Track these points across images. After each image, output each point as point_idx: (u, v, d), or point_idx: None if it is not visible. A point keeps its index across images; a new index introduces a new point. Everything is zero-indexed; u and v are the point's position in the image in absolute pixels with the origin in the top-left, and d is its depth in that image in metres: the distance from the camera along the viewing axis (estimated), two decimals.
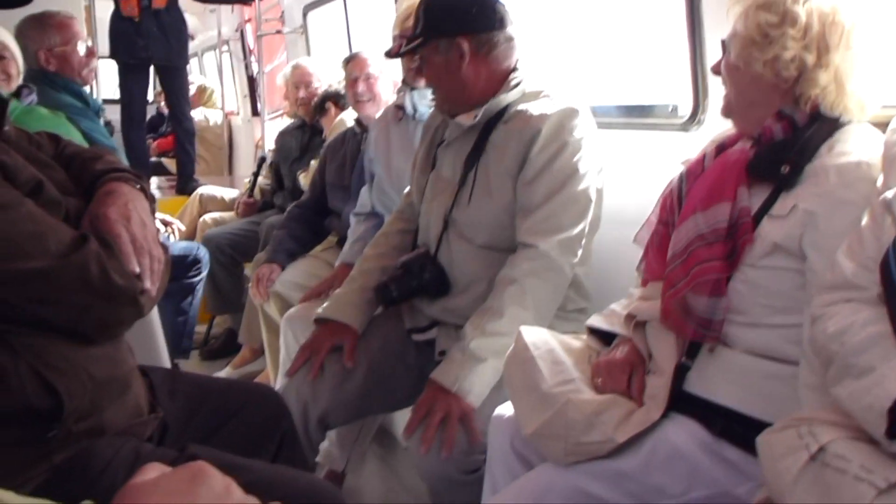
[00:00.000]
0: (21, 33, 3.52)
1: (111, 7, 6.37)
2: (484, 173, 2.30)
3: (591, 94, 3.00)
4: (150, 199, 1.77)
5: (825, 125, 1.68)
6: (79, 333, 1.52)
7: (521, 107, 2.28)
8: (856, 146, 1.64)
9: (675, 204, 1.90)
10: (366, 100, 3.83)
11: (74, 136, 2.89)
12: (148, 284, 1.58)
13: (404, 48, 2.33)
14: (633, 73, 3.12)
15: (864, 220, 1.48)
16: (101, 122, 3.71)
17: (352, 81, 3.89)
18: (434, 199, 2.42)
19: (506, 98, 2.30)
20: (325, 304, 2.57)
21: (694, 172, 1.88)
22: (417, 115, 3.11)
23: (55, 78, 3.56)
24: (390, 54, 2.56)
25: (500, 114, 2.31)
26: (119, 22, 6.31)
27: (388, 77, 3.85)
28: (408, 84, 3.14)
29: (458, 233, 2.35)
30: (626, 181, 2.54)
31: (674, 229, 1.87)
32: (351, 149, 3.92)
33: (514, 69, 2.34)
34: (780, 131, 1.70)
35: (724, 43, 1.80)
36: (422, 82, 2.95)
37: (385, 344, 2.48)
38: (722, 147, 1.86)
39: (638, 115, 2.89)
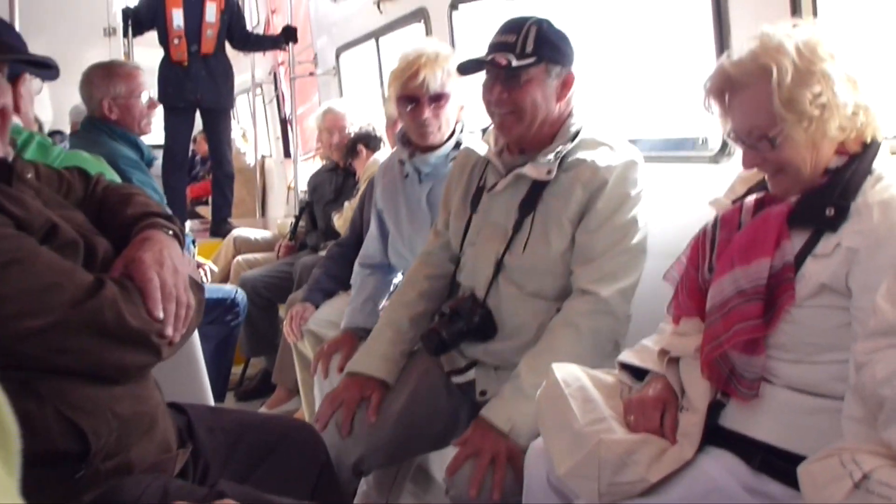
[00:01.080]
0: (87, 80, 3.64)
1: (149, 54, 6.52)
2: (542, 221, 2.29)
3: (623, 126, 3.00)
4: (183, 239, 1.80)
5: (865, 160, 1.67)
6: (99, 376, 1.54)
7: (581, 155, 2.28)
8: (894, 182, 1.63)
9: (708, 250, 1.89)
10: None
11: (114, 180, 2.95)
12: (170, 331, 1.59)
13: (516, 63, 2.21)
14: (663, 106, 3.13)
15: None
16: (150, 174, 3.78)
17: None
18: (483, 244, 2.41)
19: (566, 147, 2.30)
20: (354, 357, 2.56)
21: (730, 222, 1.85)
22: (422, 177, 3.03)
23: (114, 127, 3.65)
24: (496, 64, 2.24)
25: (560, 162, 2.30)
26: (168, 68, 6.49)
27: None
28: (411, 143, 3.02)
29: (509, 278, 2.34)
30: (656, 214, 2.54)
31: (700, 273, 1.88)
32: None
33: (571, 114, 2.36)
34: (824, 179, 1.69)
35: (769, 139, 1.68)
36: (434, 137, 2.91)
37: (417, 387, 2.46)
38: (761, 202, 1.82)
39: (668, 147, 2.90)
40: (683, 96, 2.94)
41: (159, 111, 6.49)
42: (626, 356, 2.00)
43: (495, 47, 2.26)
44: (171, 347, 1.62)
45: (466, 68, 2.37)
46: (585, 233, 2.25)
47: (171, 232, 1.76)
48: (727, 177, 2.03)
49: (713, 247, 1.87)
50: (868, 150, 1.69)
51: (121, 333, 1.51)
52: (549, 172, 2.27)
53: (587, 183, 2.24)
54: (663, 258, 2.09)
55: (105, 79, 3.66)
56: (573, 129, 2.33)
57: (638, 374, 1.97)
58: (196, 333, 2.40)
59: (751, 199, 1.86)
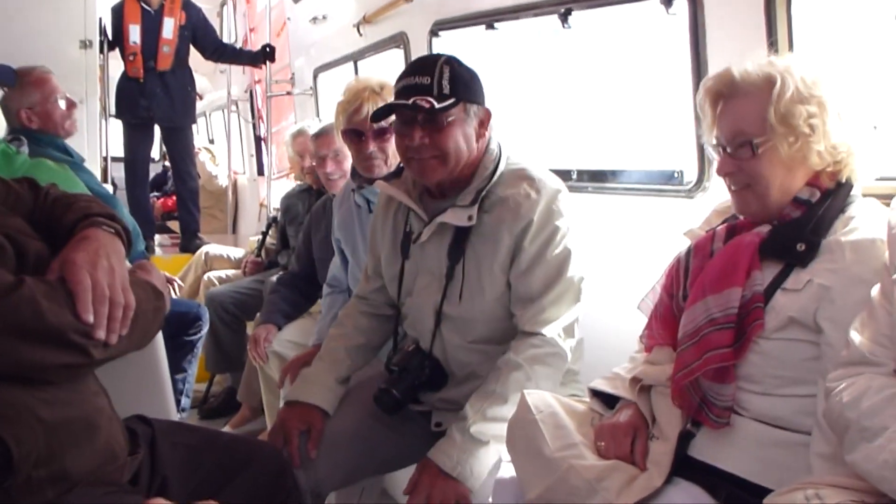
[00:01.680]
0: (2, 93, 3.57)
1: (122, 66, 6.49)
2: (474, 267, 2.26)
3: (599, 159, 3.03)
4: (126, 239, 1.75)
5: (837, 199, 1.70)
6: (23, 377, 1.50)
7: (502, 193, 2.25)
8: (867, 222, 1.66)
9: (682, 277, 1.91)
10: (336, 178, 3.81)
11: (79, 189, 2.91)
12: (101, 334, 1.54)
13: (440, 105, 2.13)
14: (638, 140, 3.15)
15: (875, 296, 1.49)
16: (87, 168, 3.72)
17: (321, 160, 3.87)
18: (420, 295, 2.38)
19: (486, 186, 2.25)
20: (292, 388, 2.54)
21: (702, 250, 1.88)
22: (372, 208, 2.99)
23: (39, 135, 3.59)
24: (420, 108, 2.16)
25: (481, 203, 2.25)
26: (125, 82, 6.45)
27: None
28: (359, 175, 3.04)
29: (452, 328, 2.32)
30: (630, 247, 2.56)
31: (674, 300, 1.90)
32: (329, 221, 3.87)
33: (488, 152, 2.31)
34: (797, 212, 1.72)
35: (752, 145, 1.72)
36: (380, 170, 2.90)
37: (373, 410, 2.41)
38: (733, 228, 1.85)
39: (643, 181, 2.92)
40: (660, 130, 2.97)
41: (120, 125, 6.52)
42: (598, 383, 2.01)
43: (411, 90, 2.17)
44: (106, 349, 1.56)
45: (379, 115, 2.33)
46: (519, 275, 2.22)
47: (112, 231, 1.71)
48: (702, 211, 2.05)
49: (686, 274, 1.89)
50: (841, 188, 1.73)
51: (40, 332, 1.46)
52: (469, 218, 2.23)
53: (511, 225, 2.21)
54: (637, 289, 2.09)
55: (18, 90, 3.62)
56: (491, 167, 2.28)
57: (609, 401, 1.97)
58: (161, 344, 2.36)
59: (722, 226, 1.88)
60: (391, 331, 2.56)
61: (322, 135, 3.90)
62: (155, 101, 6.41)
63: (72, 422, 1.58)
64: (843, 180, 1.72)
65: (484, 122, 2.26)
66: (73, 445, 1.57)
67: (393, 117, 2.36)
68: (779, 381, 1.66)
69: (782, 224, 1.73)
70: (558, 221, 2.22)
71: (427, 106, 2.13)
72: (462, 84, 2.19)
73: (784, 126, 1.67)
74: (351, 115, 2.89)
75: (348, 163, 3.75)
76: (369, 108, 2.80)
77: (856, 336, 1.48)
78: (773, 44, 2.15)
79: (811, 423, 1.60)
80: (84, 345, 1.52)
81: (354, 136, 2.92)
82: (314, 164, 4.04)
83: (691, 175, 2.62)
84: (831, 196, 1.71)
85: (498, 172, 2.27)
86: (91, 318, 1.52)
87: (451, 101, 2.16)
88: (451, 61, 2.21)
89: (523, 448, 1.87)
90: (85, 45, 5.23)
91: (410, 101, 2.15)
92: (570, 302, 2.23)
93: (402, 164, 2.42)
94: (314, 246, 3.96)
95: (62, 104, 3.69)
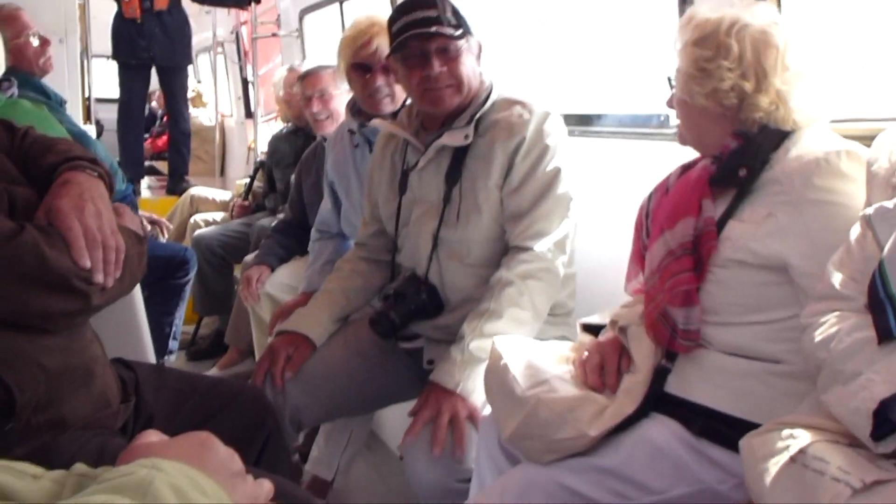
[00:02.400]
0: None
1: (105, 6, 6.38)
2: (470, 188, 2.29)
3: (585, 102, 3.01)
4: (109, 181, 1.73)
5: (776, 132, 1.73)
6: (24, 325, 1.50)
7: (495, 116, 2.30)
8: (809, 146, 1.67)
9: (644, 221, 1.97)
10: (323, 118, 3.82)
11: (56, 130, 2.86)
12: (100, 278, 1.54)
13: (457, 34, 2.21)
14: (626, 83, 3.13)
15: (854, 233, 1.50)
16: (65, 111, 3.66)
17: (307, 100, 3.86)
18: (417, 223, 2.40)
19: (480, 110, 2.31)
20: (286, 320, 2.57)
21: (660, 191, 1.95)
22: (373, 147, 2.91)
23: (14, 73, 3.46)
24: (439, 38, 2.22)
25: (476, 126, 2.31)
26: (121, 23, 6.36)
27: (345, 93, 3.72)
28: (362, 112, 3.01)
29: (449, 251, 2.34)
30: (617, 190, 2.55)
31: (641, 242, 1.96)
32: (321, 164, 3.84)
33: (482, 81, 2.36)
34: (736, 144, 1.75)
35: (669, 80, 1.86)
36: (386, 107, 2.88)
37: (364, 348, 2.47)
38: (686, 167, 1.92)
39: (630, 124, 2.91)
40: (645, 72, 2.95)
41: (107, 65, 6.41)
42: (590, 319, 2.09)
43: (421, 22, 2.21)
44: (103, 294, 1.57)
45: (402, 45, 2.26)
46: (511, 191, 2.26)
47: (95, 173, 1.68)
48: (688, 154, 2.04)
49: (648, 216, 1.96)
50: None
51: (44, 278, 1.46)
52: (465, 137, 2.28)
53: (505, 143, 2.25)
54: (622, 234, 2.10)
55: None
56: (484, 95, 2.34)
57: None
58: (138, 289, 2.36)
59: (677, 167, 1.95)
60: (389, 276, 2.57)
61: (308, 75, 3.89)
62: (155, 41, 6.33)
63: (72, 369, 1.60)
64: (786, 128, 1.74)
65: (479, 52, 2.33)
66: (72, 392, 1.59)
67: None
68: (738, 308, 1.69)
69: (724, 156, 1.76)
70: (548, 140, 2.26)
71: (448, 34, 2.20)
72: (460, 15, 2.26)
73: (691, 69, 1.76)
74: (358, 50, 2.85)
75: (334, 103, 3.79)
76: (379, 44, 2.77)
77: (832, 270, 1.50)
78: None
79: (776, 349, 1.65)
80: (86, 290, 1.53)
81: (362, 70, 2.87)
82: (302, 104, 4.00)
83: (676, 118, 2.59)
84: (766, 128, 1.74)
85: (491, 100, 2.32)
86: (88, 264, 1.52)
87: (460, 31, 2.23)
88: None
89: (496, 392, 1.91)
90: None
91: (433, 30, 2.19)
92: (560, 218, 2.26)
93: (406, 102, 2.48)
94: (304, 191, 3.95)
95: (35, 41, 3.59)
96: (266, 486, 0.99)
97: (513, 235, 2.26)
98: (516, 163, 2.24)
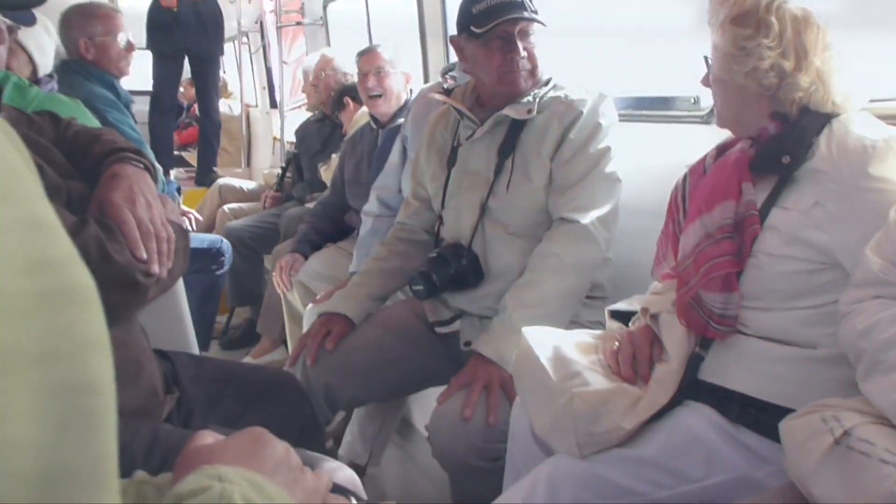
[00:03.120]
0: (65, 21, 3.61)
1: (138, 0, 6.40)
2: (521, 160, 2.34)
3: (613, 86, 2.99)
4: (154, 173, 1.76)
5: (817, 117, 1.70)
6: None
7: (553, 94, 2.37)
8: (854, 131, 1.64)
9: (681, 204, 1.94)
10: (376, 95, 3.81)
11: (92, 124, 2.91)
12: (156, 269, 1.56)
13: (533, 18, 2.30)
14: (654, 65, 3.11)
15: (893, 216, 1.48)
16: (131, 117, 3.74)
17: (363, 77, 3.86)
18: (465, 194, 2.44)
19: (542, 90, 2.38)
20: (326, 302, 2.62)
21: (696, 173, 1.92)
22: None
23: (90, 68, 3.62)
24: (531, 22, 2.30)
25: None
26: (158, 13, 6.35)
27: (400, 73, 3.84)
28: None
29: (494, 220, 2.38)
30: (647, 174, 2.54)
31: (676, 225, 1.93)
32: (367, 145, 3.91)
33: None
34: (775, 128, 1.72)
35: (706, 59, 1.83)
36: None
37: (399, 330, 2.51)
38: (723, 149, 1.89)
39: (660, 107, 2.89)
40: (675, 53, 2.92)
41: (143, 56, 6.45)
42: (618, 305, 2.08)
43: (510, 6, 2.27)
44: (157, 285, 1.59)
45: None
46: (561, 163, 2.30)
47: (141, 165, 1.71)
48: (719, 137, 2.03)
49: (685, 199, 1.93)
50: (824, 113, 1.72)
51: (108, 272, 1.47)
52: (528, 111, 2.33)
53: (563, 116, 2.31)
54: (654, 218, 2.09)
55: (82, 19, 3.62)
56: (545, 77, 2.40)
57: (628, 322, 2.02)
58: (181, 281, 2.39)
59: (713, 149, 1.92)
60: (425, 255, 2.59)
61: (367, 52, 3.89)
62: (191, 31, 6.35)
63: (127, 362, 1.62)
64: (825, 110, 1.71)
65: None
66: (126, 384, 1.60)
67: None
68: (780, 294, 1.67)
69: (764, 140, 1.74)
70: (602, 119, 2.32)
71: (538, 20, 2.30)
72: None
73: (730, 47, 1.73)
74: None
75: (389, 80, 3.78)
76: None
77: (870, 255, 1.48)
78: None
79: (814, 334, 1.63)
80: (145, 283, 1.55)
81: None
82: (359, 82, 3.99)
83: (708, 100, 2.58)
84: (809, 114, 1.71)
85: (552, 83, 2.39)
86: (144, 255, 1.54)
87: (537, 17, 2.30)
88: None
89: (528, 385, 1.90)
90: None
91: (525, 14, 2.27)
92: (606, 195, 2.30)
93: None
94: (346, 169, 3.99)
95: (122, 43, 3.70)
96: (325, 479, 0.99)
97: (558, 207, 2.29)
98: (570, 137, 2.29)
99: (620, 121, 2.41)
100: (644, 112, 2.92)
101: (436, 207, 2.58)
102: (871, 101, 1.79)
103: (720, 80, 1.80)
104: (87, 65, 3.62)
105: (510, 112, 2.34)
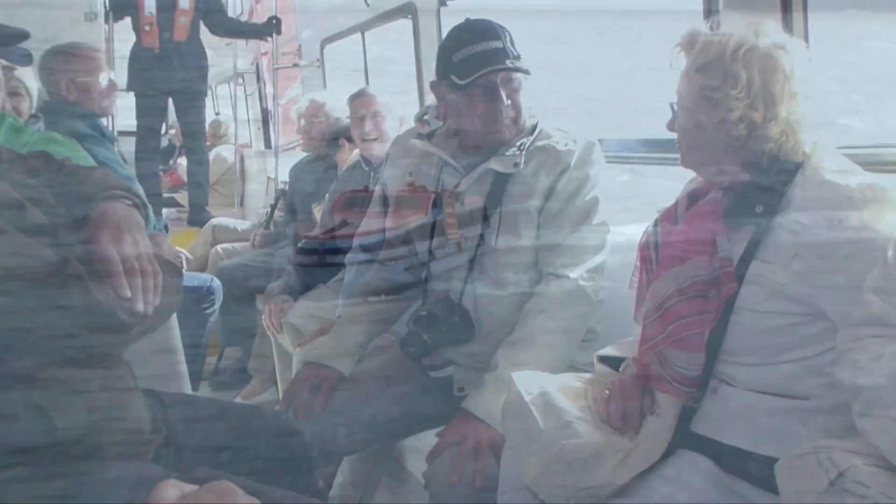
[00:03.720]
0: (45, 62, 3.59)
1: (118, 38, 6.43)
2: (510, 213, 2.31)
3: (610, 128, 3.01)
4: (143, 212, 1.74)
5: (788, 165, 1.68)
6: (69, 357, 1.49)
7: (540, 143, 2.32)
8: (830, 182, 1.62)
9: (652, 253, 1.89)
10: (372, 139, 3.79)
11: (86, 163, 2.90)
12: (140, 307, 1.53)
13: (517, 68, 2.25)
14: (651, 107, 3.13)
15: (891, 256, 1.47)
16: (117, 152, 3.74)
17: (358, 120, 3.85)
18: (451, 248, 2.41)
19: (528, 139, 2.33)
20: (310, 346, 2.61)
21: (667, 218, 1.88)
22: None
23: (73, 108, 3.60)
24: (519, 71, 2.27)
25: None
26: (139, 53, 6.37)
27: (395, 116, 3.83)
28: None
29: (484, 275, 2.34)
30: (642, 214, 2.54)
31: (649, 275, 1.89)
32: (359, 185, 3.87)
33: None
34: (747, 177, 1.70)
35: (672, 105, 1.79)
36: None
37: (391, 374, 2.47)
38: (694, 196, 1.85)
39: (655, 149, 2.90)
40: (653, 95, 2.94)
41: (127, 97, 6.48)
42: (606, 350, 2.05)
43: (493, 55, 2.22)
44: (143, 323, 1.56)
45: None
46: (549, 216, 2.28)
47: (130, 203, 1.70)
48: None
49: (657, 246, 1.88)
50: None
51: (88, 310, 1.45)
52: (515, 165, 2.29)
53: (550, 168, 2.28)
54: None
55: (63, 59, 3.61)
56: (530, 125, 2.37)
57: (618, 367, 1.99)
58: (174, 319, 2.37)
59: (685, 193, 1.89)
60: (411, 298, 2.58)
61: (361, 95, 3.89)
62: (173, 72, 6.37)
63: (110, 400, 1.59)
64: (796, 160, 1.68)
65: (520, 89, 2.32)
66: (110, 423, 1.57)
67: None
68: (767, 349, 1.65)
69: (737, 189, 1.72)
70: (591, 170, 2.30)
71: (520, 69, 2.24)
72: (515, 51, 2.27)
73: (696, 97, 1.69)
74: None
75: (386, 124, 3.77)
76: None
77: (869, 296, 1.47)
78: (786, 9, 2.12)
79: (806, 386, 1.61)
80: (128, 321, 1.52)
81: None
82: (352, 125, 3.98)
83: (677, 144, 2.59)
84: (779, 162, 1.68)
85: (537, 130, 2.35)
86: (128, 293, 1.51)
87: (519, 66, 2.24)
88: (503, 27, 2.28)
89: (517, 431, 1.88)
90: (90, 17, 5.19)
91: (508, 64, 2.22)
92: (596, 247, 2.28)
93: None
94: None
95: (104, 83, 3.70)
96: None
97: (548, 262, 2.27)
98: (557, 190, 2.26)
99: (611, 163, 2.40)
100: (640, 154, 2.93)
101: (421, 253, 2.53)
102: (838, 147, 1.78)
103: (686, 129, 1.77)
104: (70, 105, 3.61)
105: (496, 166, 2.31)
